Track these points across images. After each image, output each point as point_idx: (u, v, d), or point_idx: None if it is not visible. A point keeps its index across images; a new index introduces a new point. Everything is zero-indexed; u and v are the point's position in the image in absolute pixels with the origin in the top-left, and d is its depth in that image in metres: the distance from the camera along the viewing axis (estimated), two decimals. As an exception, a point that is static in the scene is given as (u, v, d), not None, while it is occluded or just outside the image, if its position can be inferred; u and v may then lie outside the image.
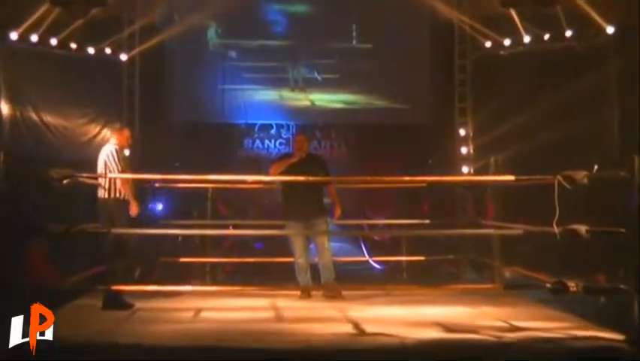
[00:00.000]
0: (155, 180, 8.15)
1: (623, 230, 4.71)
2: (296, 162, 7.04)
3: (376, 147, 11.30)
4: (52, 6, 9.23)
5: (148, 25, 10.66)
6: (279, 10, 11.61)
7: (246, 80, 11.53)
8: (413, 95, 11.53)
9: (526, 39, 10.25)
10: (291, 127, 11.80)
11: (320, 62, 11.61)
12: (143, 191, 8.47)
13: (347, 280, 7.37)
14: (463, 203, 10.17)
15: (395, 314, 5.77)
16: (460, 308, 5.99)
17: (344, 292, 6.68)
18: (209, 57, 11.54)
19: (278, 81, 11.66)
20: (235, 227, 8.59)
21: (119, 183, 6.29)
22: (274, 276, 7.43)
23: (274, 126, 11.84)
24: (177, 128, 11.30)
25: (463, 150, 11.05)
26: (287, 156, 7.53)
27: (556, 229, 5.01)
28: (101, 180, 6.30)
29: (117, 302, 5.99)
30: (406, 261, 8.50)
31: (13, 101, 9.66)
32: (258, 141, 11.81)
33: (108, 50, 10.52)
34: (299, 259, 6.98)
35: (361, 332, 4.98)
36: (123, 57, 10.69)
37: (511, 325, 5.20)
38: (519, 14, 9.89)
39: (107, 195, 6.32)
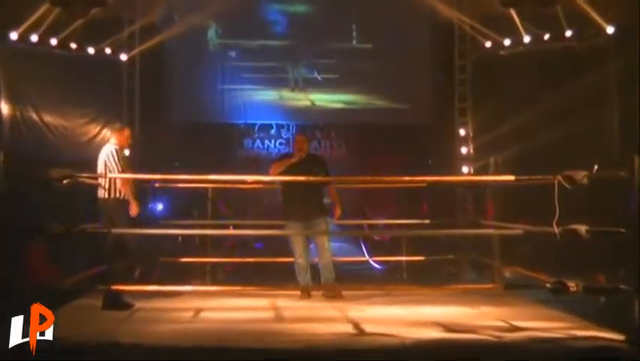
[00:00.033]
0: (155, 180, 8.16)
1: (623, 230, 4.71)
2: (296, 162, 7.03)
3: (376, 147, 11.29)
4: (52, 6, 9.21)
5: (148, 25, 10.64)
6: (279, 10, 11.60)
7: (245, 80, 11.52)
8: (413, 95, 11.52)
9: (526, 39, 10.24)
10: (291, 127, 11.79)
11: (320, 61, 11.59)
12: (143, 191, 8.47)
13: (347, 280, 7.37)
14: (463, 203, 10.16)
15: (395, 314, 5.77)
16: (460, 308, 5.99)
17: (344, 292, 6.67)
18: (209, 57, 11.53)
19: (278, 81, 11.64)
20: (235, 227, 8.59)
21: (119, 183, 6.28)
22: (274, 276, 7.42)
23: (274, 126, 11.83)
24: (177, 128, 11.28)
25: (463, 150, 11.04)
26: (287, 156, 7.53)
27: (556, 229, 5.02)
28: (100, 180, 6.30)
29: (117, 302, 5.98)
30: (406, 261, 8.50)
31: (13, 101, 9.65)
32: (258, 141, 11.80)
33: (108, 50, 10.51)
34: (299, 259, 6.98)
35: (361, 332, 4.98)
36: (123, 57, 10.68)
37: (511, 325, 5.20)
38: (519, 14, 9.88)
39: (107, 195, 6.32)
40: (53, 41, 9.89)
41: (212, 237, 8.28)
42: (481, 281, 7.80)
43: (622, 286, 4.74)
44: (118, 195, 6.32)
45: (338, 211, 7.20)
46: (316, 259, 7.03)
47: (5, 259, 5.03)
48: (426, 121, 11.40)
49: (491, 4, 9.89)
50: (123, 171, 6.39)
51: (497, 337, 4.71)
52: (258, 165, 10.85)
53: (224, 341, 4.61)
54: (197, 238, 8.55)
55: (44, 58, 9.86)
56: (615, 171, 4.83)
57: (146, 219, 8.14)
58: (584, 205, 5.99)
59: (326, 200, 7.30)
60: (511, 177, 5.67)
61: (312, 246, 7.22)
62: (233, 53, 11.52)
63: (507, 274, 7.24)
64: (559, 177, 5.02)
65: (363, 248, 9.48)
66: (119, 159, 6.39)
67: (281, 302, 6.32)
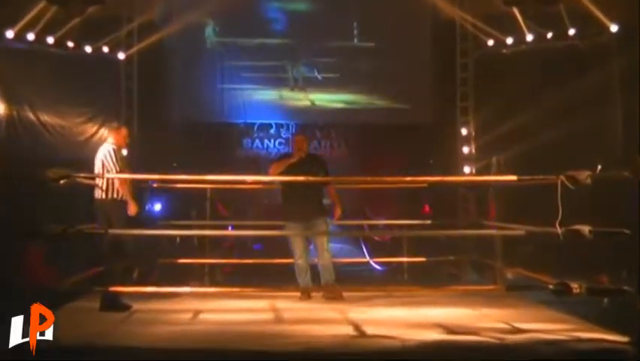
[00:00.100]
0: (154, 180, 8.11)
1: (626, 231, 4.69)
2: (295, 162, 6.98)
3: (377, 147, 11.25)
4: (49, 4, 9.19)
5: (146, 23, 10.61)
6: (279, 7, 11.55)
7: (245, 79, 11.46)
8: (414, 94, 11.48)
9: (529, 37, 10.23)
10: (290, 127, 11.75)
11: (320, 60, 11.54)
12: (141, 191, 8.43)
13: (347, 282, 7.32)
14: (464, 203, 10.13)
15: (396, 316, 5.74)
16: (461, 310, 5.96)
17: (344, 294, 6.64)
18: (208, 56, 11.49)
19: (277, 80, 11.59)
20: (234, 227, 8.53)
21: (116, 183, 6.23)
22: (274, 277, 7.38)
23: (274, 126, 11.79)
24: (176, 127, 11.24)
25: (465, 149, 11.01)
26: (286, 155, 7.47)
27: (559, 230, 4.99)
28: (98, 181, 6.24)
29: (115, 304, 5.93)
30: (407, 262, 8.45)
31: (9, 100, 9.64)
32: (257, 141, 11.77)
33: (106, 49, 10.49)
34: (299, 260, 6.93)
35: (362, 334, 4.95)
36: (121, 56, 10.65)
37: (513, 326, 5.17)
38: (522, 12, 9.87)
39: (104, 196, 6.25)
40: (50, 40, 9.88)
41: (210, 237, 8.22)
42: (482, 282, 7.78)
43: (625, 288, 4.73)
44: (116, 195, 6.26)
45: (338, 212, 7.15)
46: (316, 260, 6.98)
47: (5, 260, 5.01)
48: (427, 121, 11.35)
49: (493, 2, 9.86)
50: (121, 171, 6.34)
51: (499, 339, 4.69)
52: (257, 164, 10.82)
53: (223, 343, 4.60)
54: (195, 238, 8.49)
55: (41, 57, 9.85)
56: (619, 171, 4.79)
57: (144, 219, 8.10)
58: (587, 205, 5.95)
59: (326, 200, 7.25)
60: (514, 177, 5.62)
61: (311, 247, 7.18)
62: (232, 52, 11.44)
63: (509, 275, 7.21)
64: (562, 177, 4.99)
65: (364, 249, 9.43)
66: (116, 158, 6.33)
67: (280, 304, 6.28)
